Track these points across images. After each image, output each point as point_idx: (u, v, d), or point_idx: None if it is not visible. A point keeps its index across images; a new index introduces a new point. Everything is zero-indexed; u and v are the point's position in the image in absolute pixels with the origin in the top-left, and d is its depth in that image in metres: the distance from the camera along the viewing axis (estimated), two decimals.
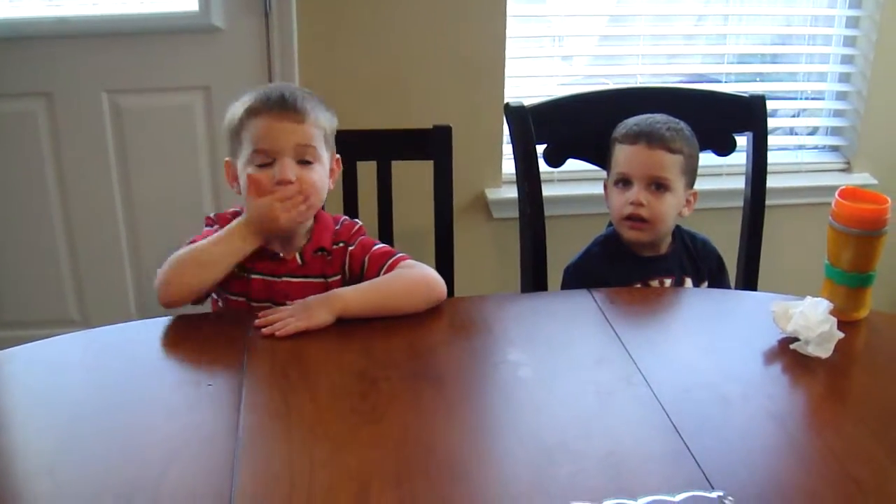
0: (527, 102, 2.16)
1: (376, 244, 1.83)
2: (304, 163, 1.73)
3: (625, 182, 2.07)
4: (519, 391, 1.53)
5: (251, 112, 1.71)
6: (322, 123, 1.76)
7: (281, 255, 1.77)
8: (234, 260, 1.70)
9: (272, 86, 1.80)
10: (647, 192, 2.04)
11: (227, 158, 1.80)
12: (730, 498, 1.14)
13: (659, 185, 2.04)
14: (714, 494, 1.13)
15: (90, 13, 2.76)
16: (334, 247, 1.80)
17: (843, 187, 1.74)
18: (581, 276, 2.09)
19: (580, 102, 2.26)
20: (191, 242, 1.73)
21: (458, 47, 2.88)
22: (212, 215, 1.81)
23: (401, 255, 1.81)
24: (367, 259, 1.80)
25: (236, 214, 1.77)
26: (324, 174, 1.77)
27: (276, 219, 1.68)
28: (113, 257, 2.98)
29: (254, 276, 1.76)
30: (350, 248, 1.81)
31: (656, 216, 2.04)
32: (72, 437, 1.37)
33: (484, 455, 1.35)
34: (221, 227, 1.74)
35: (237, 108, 1.74)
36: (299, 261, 1.78)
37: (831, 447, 1.37)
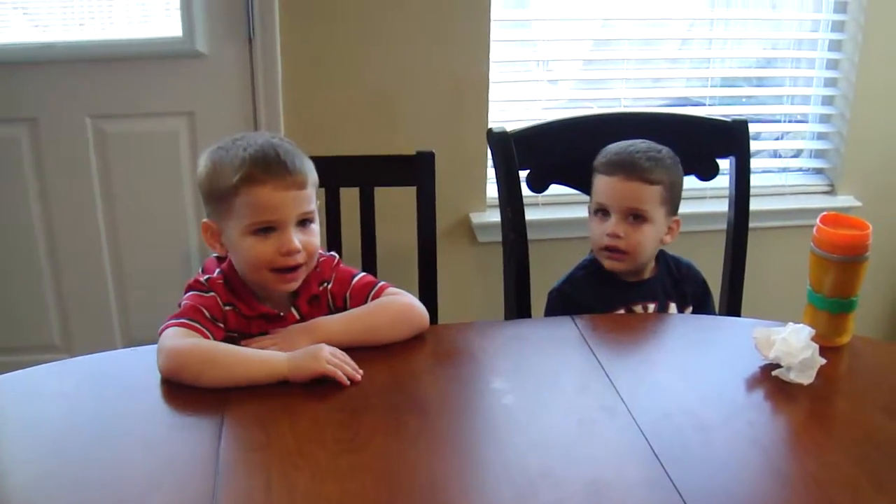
0: (510, 128, 2.17)
1: (355, 275, 1.81)
2: (303, 223, 1.68)
3: (603, 212, 2.07)
4: (502, 420, 1.52)
5: (249, 180, 1.62)
6: (314, 180, 1.71)
7: (281, 314, 1.73)
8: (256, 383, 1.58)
9: (257, 143, 1.66)
10: (624, 224, 2.03)
11: (206, 220, 1.70)
12: None
13: (636, 216, 2.04)
14: None
15: (75, 39, 2.76)
16: (320, 288, 1.78)
17: (825, 213, 1.75)
18: (565, 301, 2.09)
19: (562, 128, 2.27)
20: (178, 316, 1.64)
21: (442, 72, 2.89)
22: (202, 280, 1.71)
23: (382, 283, 1.80)
24: (348, 295, 1.78)
25: (232, 278, 1.71)
26: (318, 230, 1.73)
27: (322, 372, 1.57)
28: (97, 283, 2.97)
29: None
30: (329, 286, 1.79)
31: (633, 247, 2.04)
32: (50, 470, 1.36)
33: (466, 484, 1.34)
34: (216, 293, 1.68)
35: (225, 172, 1.64)
36: (297, 315, 1.75)
37: (813, 474, 1.37)
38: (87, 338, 2.99)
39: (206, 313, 1.65)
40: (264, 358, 1.59)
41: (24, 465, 1.38)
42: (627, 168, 2.03)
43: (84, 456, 1.39)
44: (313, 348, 1.59)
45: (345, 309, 1.77)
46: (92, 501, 1.29)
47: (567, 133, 2.25)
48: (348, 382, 1.56)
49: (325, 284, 1.79)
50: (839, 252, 1.69)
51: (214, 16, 2.73)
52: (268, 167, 1.63)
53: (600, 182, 2.07)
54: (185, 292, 1.71)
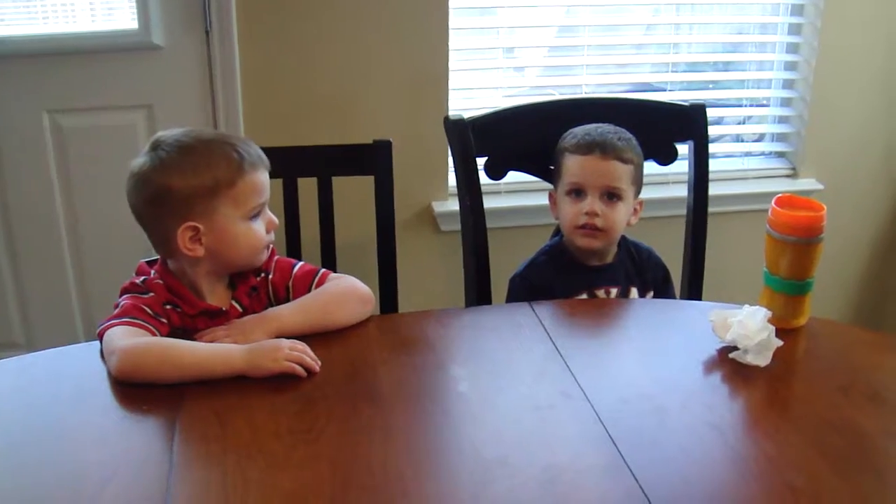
0: (467, 115, 2.16)
1: (294, 265, 1.81)
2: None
3: (577, 192, 2.07)
4: (458, 407, 1.53)
5: (249, 168, 1.67)
6: None
7: (223, 309, 1.72)
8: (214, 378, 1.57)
9: (218, 137, 1.73)
10: (600, 202, 2.04)
11: (187, 224, 1.66)
12: None
13: (612, 195, 2.05)
14: None
15: (30, 33, 2.74)
16: (258, 279, 1.79)
17: (780, 195, 1.75)
18: (527, 286, 2.10)
19: (520, 115, 2.26)
20: (119, 315, 1.63)
21: (401, 61, 2.88)
22: (139, 281, 1.71)
23: (324, 270, 1.82)
24: (290, 284, 1.79)
25: (168, 280, 1.71)
26: None
27: (280, 371, 1.57)
28: (58, 279, 2.95)
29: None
30: (269, 276, 1.79)
31: (610, 225, 2.06)
32: (5, 467, 1.35)
33: (422, 472, 1.34)
34: (155, 294, 1.68)
35: (213, 169, 1.65)
36: (239, 308, 1.75)
37: (769, 455, 1.38)
38: (49, 334, 2.96)
39: (148, 310, 1.64)
40: (221, 353, 1.58)
41: None
42: (603, 147, 2.04)
43: (39, 452, 1.37)
44: (271, 344, 1.59)
45: (287, 300, 1.77)
46: (46, 497, 1.28)
47: (524, 120, 2.24)
48: (306, 375, 1.56)
49: (264, 274, 1.79)
50: (795, 234, 1.70)
51: (171, 8, 2.71)
52: (258, 155, 1.71)
53: (574, 162, 2.07)
54: (121, 295, 1.70)
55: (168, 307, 1.68)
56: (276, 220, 1.75)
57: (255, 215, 1.70)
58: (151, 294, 1.67)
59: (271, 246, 1.78)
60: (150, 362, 1.54)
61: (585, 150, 2.06)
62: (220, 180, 1.64)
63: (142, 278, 1.71)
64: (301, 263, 1.83)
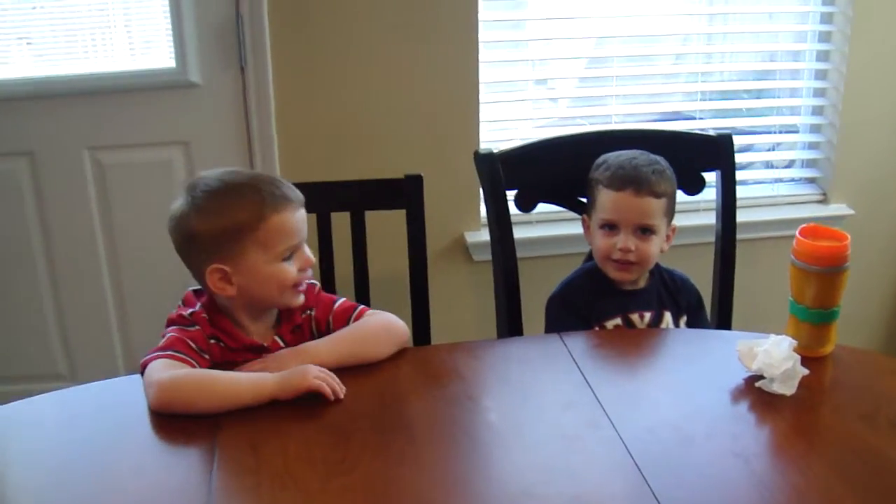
0: (497, 149, 2.20)
1: (336, 301, 1.85)
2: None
3: (611, 227, 2.08)
4: (488, 437, 1.56)
5: (275, 210, 1.68)
6: None
7: (265, 344, 1.76)
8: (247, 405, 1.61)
9: (250, 177, 1.75)
10: (634, 238, 2.05)
11: (214, 266, 1.69)
12: None
13: (645, 230, 2.06)
14: None
15: (70, 72, 2.80)
16: (303, 316, 1.83)
17: (804, 225, 1.77)
18: (565, 305, 2.12)
19: (548, 148, 2.29)
20: (164, 348, 1.67)
21: (433, 95, 2.93)
22: (186, 314, 1.73)
23: (362, 307, 1.85)
24: (331, 319, 1.82)
25: (213, 314, 1.74)
26: None
27: (309, 387, 1.61)
28: (99, 312, 3.01)
29: None
30: (313, 312, 1.83)
31: (643, 258, 2.07)
32: (46, 498, 1.39)
33: (451, 502, 1.37)
34: (201, 327, 1.71)
35: (240, 211, 1.68)
36: (281, 344, 1.79)
37: (794, 484, 1.40)
38: (91, 365, 3.02)
39: (192, 345, 1.68)
40: (253, 379, 1.62)
41: (24, 493, 1.41)
42: (637, 183, 2.04)
43: (81, 485, 1.42)
44: (300, 367, 1.63)
45: (328, 333, 1.80)
46: None
47: (553, 153, 2.27)
48: (333, 397, 1.60)
49: (308, 312, 1.83)
50: (819, 263, 1.71)
51: (206, 46, 2.77)
52: (284, 196, 1.71)
53: (607, 197, 2.08)
54: (167, 326, 1.74)
55: (212, 342, 1.72)
56: (312, 258, 1.76)
57: (287, 256, 1.72)
58: (197, 328, 1.71)
59: (307, 283, 1.80)
60: (184, 392, 1.58)
61: (619, 186, 2.06)
62: (242, 224, 1.67)
63: (189, 311, 1.75)
64: (343, 300, 1.86)
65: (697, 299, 2.23)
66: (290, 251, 1.72)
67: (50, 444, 1.55)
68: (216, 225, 1.68)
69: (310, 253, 1.76)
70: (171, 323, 1.74)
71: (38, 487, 1.42)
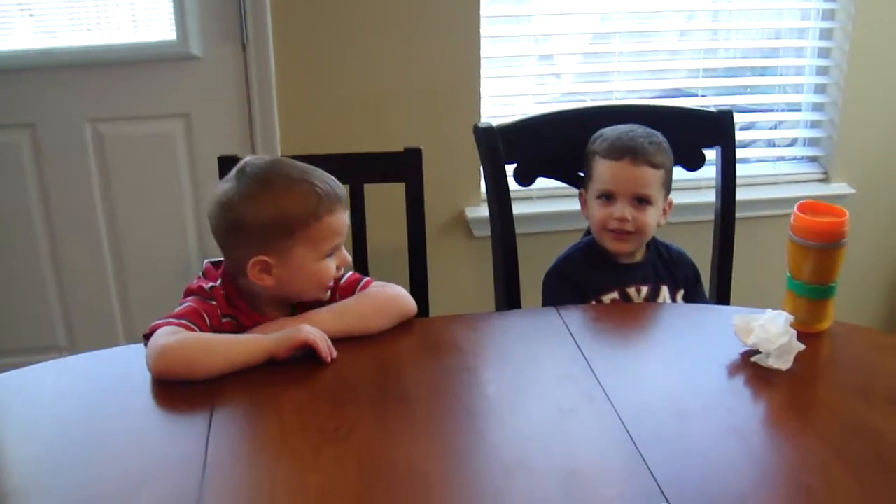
0: (496, 123, 2.20)
1: (343, 275, 1.85)
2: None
3: (608, 196, 2.09)
4: (483, 409, 1.56)
5: (329, 211, 1.69)
6: None
7: None
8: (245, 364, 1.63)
9: (307, 173, 1.72)
10: (630, 208, 2.07)
11: (258, 258, 1.68)
12: None
13: (642, 200, 2.07)
14: None
15: (72, 44, 2.80)
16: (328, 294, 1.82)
17: (802, 201, 1.77)
18: (562, 279, 2.13)
19: (548, 122, 2.29)
20: (177, 316, 1.67)
21: (434, 70, 2.93)
22: (206, 287, 1.74)
23: (368, 279, 1.85)
24: (337, 293, 1.82)
25: (230, 290, 1.75)
26: None
27: (303, 339, 1.63)
28: (99, 284, 3.02)
29: None
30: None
31: (640, 228, 2.08)
32: (43, 467, 1.39)
33: (446, 472, 1.37)
34: (217, 303, 1.72)
35: (297, 209, 1.68)
36: None
37: (788, 458, 1.41)
38: (91, 338, 3.03)
39: (207, 320, 1.69)
40: (251, 339, 1.65)
41: (21, 462, 1.42)
42: (633, 153, 2.06)
43: (77, 453, 1.42)
44: (295, 326, 1.65)
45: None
46: (83, 497, 1.32)
47: (552, 127, 2.27)
48: (327, 355, 1.62)
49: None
50: (817, 239, 1.72)
51: (208, 19, 2.77)
52: (337, 196, 1.72)
53: (604, 167, 2.09)
54: (186, 295, 1.74)
55: (225, 320, 1.72)
56: (349, 258, 1.79)
57: (329, 254, 1.73)
58: (214, 303, 1.72)
59: None
60: (185, 354, 1.58)
61: (616, 156, 2.07)
62: (295, 221, 1.67)
63: (210, 285, 1.75)
64: (350, 273, 1.86)
65: (695, 273, 2.24)
66: (334, 250, 1.74)
67: (47, 412, 1.55)
68: (269, 217, 1.67)
69: (346, 253, 1.78)
70: (190, 293, 1.74)
71: (35, 456, 1.43)
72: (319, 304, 1.80)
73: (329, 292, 1.79)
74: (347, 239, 2.14)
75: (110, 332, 3.05)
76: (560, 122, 2.30)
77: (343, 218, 1.74)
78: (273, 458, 1.39)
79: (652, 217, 2.09)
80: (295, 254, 1.69)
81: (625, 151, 2.07)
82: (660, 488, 1.30)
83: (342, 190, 1.75)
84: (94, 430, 1.49)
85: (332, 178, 1.74)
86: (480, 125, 2.18)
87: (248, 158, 1.74)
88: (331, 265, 1.74)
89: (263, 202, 1.67)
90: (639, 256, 2.16)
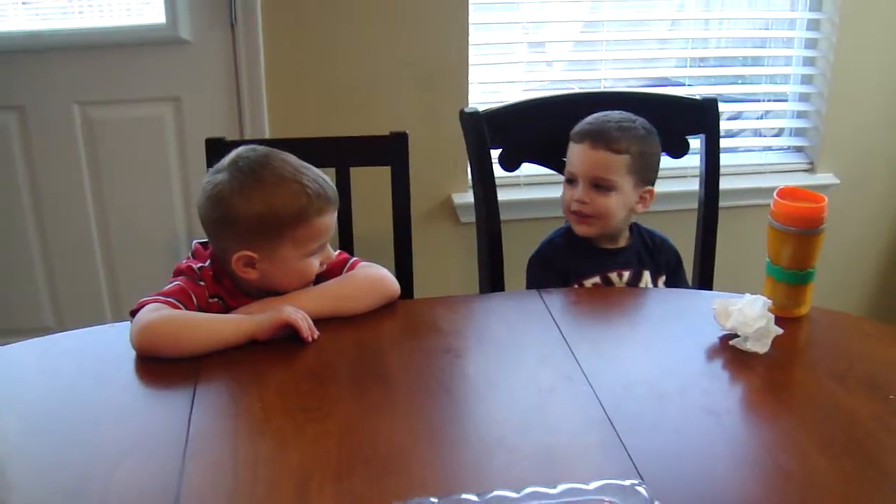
0: (482, 108, 2.21)
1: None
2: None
3: (570, 180, 2.12)
4: (463, 389, 1.58)
5: (318, 212, 1.71)
6: None
7: None
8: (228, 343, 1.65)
9: (296, 173, 1.72)
10: (589, 191, 2.08)
11: (242, 252, 1.70)
12: (643, 486, 1.18)
13: (599, 185, 2.08)
14: (627, 482, 1.17)
15: (61, 27, 2.81)
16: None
17: (782, 187, 1.79)
18: (543, 265, 2.15)
19: (533, 108, 2.31)
20: (164, 294, 1.69)
21: (422, 55, 2.94)
22: (196, 267, 1.75)
23: (355, 259, 1.87)
24: (324, 275, 1.84)
25: (218, 272, 1.76)
26: None
27: (285, 319, 1.65)
28: (87, 266, 3.03)
29: None
30: None
31: (599, 213, 2.09)
32: (25, 441, 1.41)
33: (424, 449, 1.39)
34: (206, 284, 1.73)
35: (286, 208, 1.69)
36: None
37: (762, 439, 1.43)
38: (79, 319, 3.02)
39: (194, 300, 1.70)
40: (234, 319, 1.67)
41: (3, 438, 1.43)
42: (595, 137, 2.07)
43: (60, 428, 1.44)
44: (277, 306, 1.67)
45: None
46: (63, 467, 1.34)
47: (538, 113, 2.29)
48: (308, 335, 1.64)
49: None
50: (795, 224, 1.73)
51: (197, 3, 2.78)
52: (327, 198, 1.74)
53: (571, 150, 2.12)
54: (176, 274, 1.76)
55: (212, 300, 1.74)
56: (333, 254, 1.81)
57: (314, 252, 1.75)
58: (202, 284, 1.73)
59: None
60: (169, 330, 1.60)
61: (579, 139, 2.10)
62: (285, 221, 1.69)
63: (199, 265, 1.76)
64: (337, 252, 1.88)
65: (677, 259, 2.26)
66: (319, 249, 1.76)
67: (30, 388, 1.58)
68: (258, 214, 1.68)
69: (331, 250, 1.80)
70: (179, 273, 1.76)
71: (18, 431, 1.44)
72: None
73: (310, 284, 1.80)
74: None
75: (98, 314, 3.06)
76: (545, 108, 2.31)
77: (332, 219, 1.76)
78: (255, 435, 1.41)
79: (614, 202, 2.09)
80: (281, 251, 1.71)
81: (586, 135, 2.09)
82: (635, 467, 1.32)
83: (333, 191, 1.76)
84: (77, 405, 1.50)
85: (324, 177, 1.76)
86: (466, 110, 2.20)
87: (240, 150, 1.75)
88: (314, 262, 1.76)
89: (254, 199, 1.68)
90: (621, 242, 2.18)
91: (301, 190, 1.69)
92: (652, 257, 2.20)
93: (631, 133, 2.09)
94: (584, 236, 2.14)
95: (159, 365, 1.58)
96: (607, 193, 2.08)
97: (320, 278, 1.82)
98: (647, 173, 2.13)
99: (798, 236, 1.74)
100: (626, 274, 2.14)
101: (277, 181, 1.70)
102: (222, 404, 1.50)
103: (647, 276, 2.17)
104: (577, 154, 2.10)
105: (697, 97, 2.35)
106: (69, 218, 2.97)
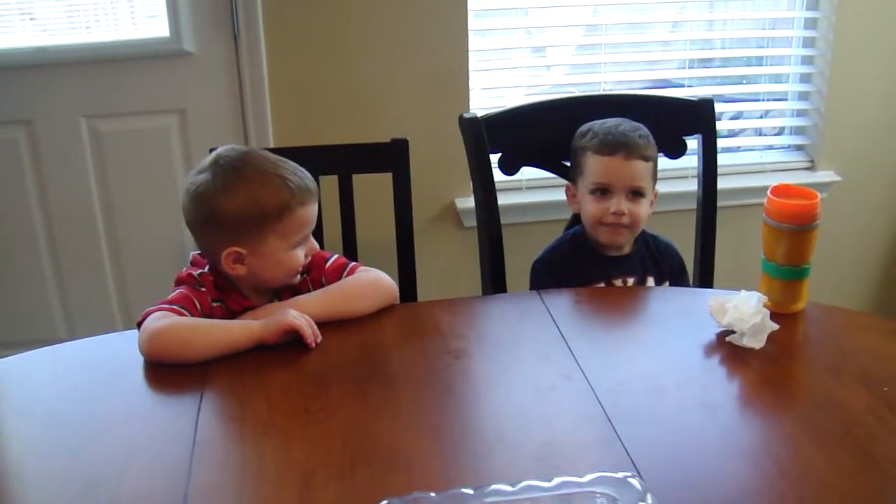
0: (482, 114, 2.24)
1: (328, 258, 1.90)
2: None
3: (603, 191, 2.13)
4: (463, 388, 1.60)
5: (300, 203, 1.75)
6: None
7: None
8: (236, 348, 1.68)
9: (277, 166, 1.76)
10: (626, 201, 2.11)
11: (231, 249, 1.74)
12: (636, 478, 1.20)
13: (636, 193, 2.12)
14: (620, 475, 1.19)
15: (67, 42, 2.85)
16: (299, 280, 1.87)
17: (776, 185, 1.81)
18: (549, 270, 2.18)
19: (533, 112, 2.33)
20: (168, 302, 1.72)
21: (423, 63, 2.97)
22: (195, 274, 1.79)
23: (354, 263, 1.90)
24: (324, 278, 1.88)
25: (217, 277, 1.80)
26: None
27: (290, 324, 1.69)
28: (97, 277, 3.07)
29: None
30: (308, 274, 1.89)
31: (635, 221, 2.13)
32: (39, 443, 1.45)
33: (425, 447, 1.41)
34: (207, 289, 1.77)
35: (269, 201, 1.72)
36: None
37: (759, 434, 1.46)
38: (90, 330, 3.01)
39: (198, 306, 1.74)
40: (241, 324, 1.70)
41: (17, 443, 1.47)
42: (627, 148, 2.10)
43: (72, 432, 1.47)
44: (282, 310, 1.71)
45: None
46: (76, 468, 1.38)
47: (537, 117, 2.32)
48: (311, 340, 1.67)
49: (304, 275, 1.88)
50: (789, 221, 1.76)
51: (200, 16, 2.82)
52: (308, 189, 1.77)
53: (598, 163, 2.12)
54: (177, 284, 1.79)
55: (215, 304, 1.78)
56: (317, 245, 1.85)
57: (299, 244, 1.79)
58: (204, 290, 1.77)
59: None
60: (177, 337, 1.64)
61: (610, 151, 2.11)
62: (269, 214, 1.73)
63: (198, 271, 1.80)
64: (336, 256, 1.92)
65: (680, 265, 2.28)
66: (304, 240, 1.79)
67: (41, 394, 1.61)
68: (243, 210, 1.72)
69: (314, 241, 1.84)
70: (180, 282, 1.80)
71: (33, 435, 1.48)
72: (305, 289, 1.85)
73: (299, 277, 1.84)
74: (336, 229, 2.21)
75: (109, 324, 3.09)
76: (543, 112, 2.34)
77: (313, 210, 1.80)
78: (261, 436, 1.45)
79: (644, 209, 2.14)
80: (267, 244, 1.75)
81: (618, 146, 2.10)
82: (632, 461, 1.34)
83: (312, 182, 1.80)
84: (88, 410, 1.54)
85: (303, 170, 1.80)
86: (465, 116, 2.23)
87: (220, 150, 1.79)
88: (300, 254, 1.80)
89: (238, 195, 1.72)
90: (626, 249, 2.20)
91: (283, 184, 1.74)
92: (656, 263, 2.23)
93: (649, 139, 2.14)
94: (611, 245, 2.16)
95: (167, 370, 1.62)
96: (640, 201, 2.12)
97: (318, 284, 1.86)
98: (657, 177, 2.18)
99: (792, 233, 1.77)
100: (631, 281, 2.17)
101: (259, 176, 1.74)
102: (229, 407, 1.53)
103: (651, 282, 2.19)
104: (608, 166, 2.11)
105: (693, 98, 2.37)
106: (78, 230, 3.01)
